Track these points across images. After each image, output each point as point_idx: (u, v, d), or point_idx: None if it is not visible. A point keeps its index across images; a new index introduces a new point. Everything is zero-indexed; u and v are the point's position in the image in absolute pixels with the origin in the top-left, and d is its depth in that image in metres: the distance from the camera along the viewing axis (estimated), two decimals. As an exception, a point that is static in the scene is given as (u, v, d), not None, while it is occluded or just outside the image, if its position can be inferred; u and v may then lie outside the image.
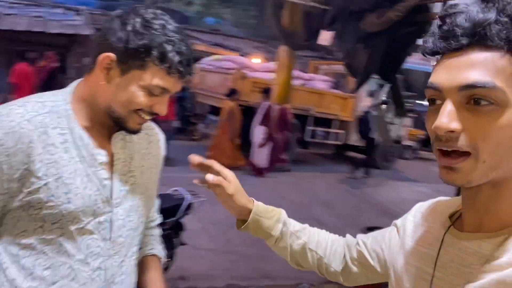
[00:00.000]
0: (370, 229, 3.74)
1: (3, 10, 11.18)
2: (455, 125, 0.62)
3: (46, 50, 10.30)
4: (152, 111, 1.04)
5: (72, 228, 0.99)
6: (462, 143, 0.63)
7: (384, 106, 2.64)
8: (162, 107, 1.04)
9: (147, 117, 1.05)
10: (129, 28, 0.97)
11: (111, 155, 1.08)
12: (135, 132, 1.07)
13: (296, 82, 10.14)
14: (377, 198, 8.34)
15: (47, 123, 0.97)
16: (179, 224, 3.84)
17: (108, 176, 1.05)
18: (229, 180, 1.01)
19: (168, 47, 0.98)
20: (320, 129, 10.66)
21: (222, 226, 5.68)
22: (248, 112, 10.08)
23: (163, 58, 0.97)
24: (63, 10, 12.92)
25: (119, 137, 1.10)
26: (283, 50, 3.33)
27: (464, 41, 0.63)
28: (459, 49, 0.63)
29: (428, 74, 0.69)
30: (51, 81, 9.98)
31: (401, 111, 2.84)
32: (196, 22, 25.07)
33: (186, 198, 3.79)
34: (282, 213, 1.08)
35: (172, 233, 3.78)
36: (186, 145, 11.13)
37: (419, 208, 0.89)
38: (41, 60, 10.12)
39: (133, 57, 0.97)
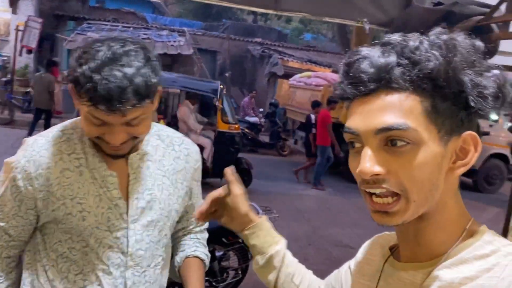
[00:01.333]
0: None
1: (117, 34, 12.42)
2: (378, 168, 0.64)
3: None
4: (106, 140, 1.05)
5: (92, 241, 1.13)
6: (390, 184, 0.65)
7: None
8: (111, 137, 1.03)
9: (110, 145, 1.05)
10: (75, 59, 1.02)
11: (127, 175, 1.17)
12: (114, 157, 1.11)
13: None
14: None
15: (63, 150, 1.13)
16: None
17: (119, 195, 1.14)
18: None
19: (93, 82, 0.95)
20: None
21: (301, 242, 5.71)
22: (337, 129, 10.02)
23: (89, 92, 0.97)
24: (168, 31, 13.98)
25: (136, 158, 1.18)
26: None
27: (371, 86, 0.65)
28: (369, 94, 0.66)
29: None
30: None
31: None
32: (294, 40, 25.50)
33: (259, 213, 3.90)
34: (283, 239, 1.02)
35: (246, 246, 3.91)
36: (276, 160, 11.36)
37: (366, 246, 0.90)
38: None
39: (76, 88, 1.00)
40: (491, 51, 2.22)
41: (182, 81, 7.72)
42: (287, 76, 14.21)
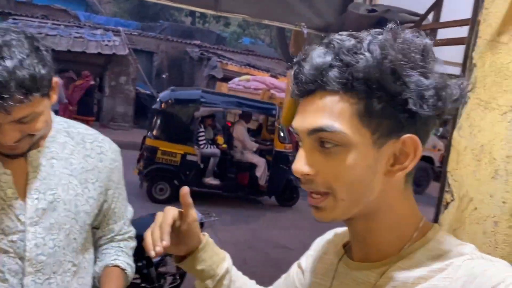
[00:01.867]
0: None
1: (47, 31, 11.82)
2: (308, 168, 0.66)
3: (84, 69, 10.77)
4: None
5: None
6: (318, 184, 0.66)
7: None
8: (1, 137, 0.96)
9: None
10: None
11: (26, 174, 1.08)
12: (10, 157, 1.04)
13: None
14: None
15: None
16: (191, 243, 3.89)
17: (15, 195, 1.05)
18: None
19: None
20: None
21: (240, 245, 5.71)
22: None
23: None
24: (102, 31, 13.49)
25: (36, 155, 1.09)
26: (290, 75, 3.35)
27: (310, 87, 0.65)
28: (309, 95, 0.66)
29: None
30: (88, 98, 10.45)
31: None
32: (233, 43, 25.58)
33: (199, 217, 3.84)
34: (227, 254, 0.95)
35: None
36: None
37: (318, 242, 0.89)
38: (79, 78, 10.62)
39: None
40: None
41: (245, 103, 7.74)
42: (226, 79, 14.18)
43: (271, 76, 12.65)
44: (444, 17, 2.15)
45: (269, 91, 9.57)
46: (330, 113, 0.63)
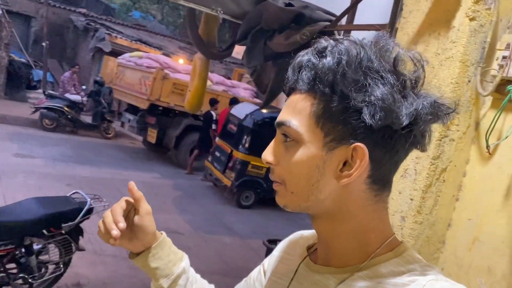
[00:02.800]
0: (272, 241, 3.75)
1: None
2: (270, 158, 0.70)
3: None
4: None
5: None
6: (275, 174, 0.70)
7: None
8: None
9: None
10: None
11: None
12: None
13: (218, 88, 10.13)
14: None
15: None
16: (79, 229, 3.62)
17: None
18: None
19: None
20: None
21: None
22: (167, 113, 9.93)
23: None
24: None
25: None
26: (198, 58, 3.27)
27: (290, 83, 0.69)
28: (293, 90, 0.69)
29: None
30: None
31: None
32: (122, 16, 24.16)
33: (87, 202, 3.58)
34: (185, 254, 0.94)
35: (69, 238, 3.56)
36: (99, 143, 10.65)
37: (283, 242, 0.89)
38: None
39: None
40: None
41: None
42: (114, 53, 13.39)
43: (164, 54, 12.23)
44: (356, 20, 2.29)
45: (163, 71, 9.26)
46: (293, 109, 0.66)
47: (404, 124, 0.62)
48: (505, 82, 1.20)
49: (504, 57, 1.20)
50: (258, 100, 10.93)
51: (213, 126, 9.27)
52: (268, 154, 0.70)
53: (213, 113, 9.38)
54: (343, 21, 2.28)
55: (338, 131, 0.63)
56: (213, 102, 9.43)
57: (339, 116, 0.63)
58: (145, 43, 15.06)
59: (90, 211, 3.59)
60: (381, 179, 0.66)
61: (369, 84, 0.61)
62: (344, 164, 0.64)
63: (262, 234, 6.44)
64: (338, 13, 2.21)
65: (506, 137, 1.15)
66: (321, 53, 0.64)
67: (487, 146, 1.18)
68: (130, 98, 10.06)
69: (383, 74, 0.62)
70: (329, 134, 0.64)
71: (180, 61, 11.33)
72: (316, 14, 2.27)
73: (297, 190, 0.67)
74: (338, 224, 0.68)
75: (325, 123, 0.64)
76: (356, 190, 0.66)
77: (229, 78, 12.08)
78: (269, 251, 3.66)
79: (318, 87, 0.63)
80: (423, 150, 0.68)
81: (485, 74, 1.28)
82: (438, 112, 0.64)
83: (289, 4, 2.31)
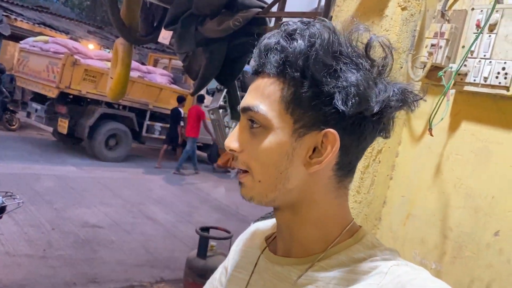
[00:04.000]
0: (205, 229, 3.73)
1: None
2: (234, 145, 0.66)
3: None
4: None
5: None
6: (240, 162, 0.66)
7: (221, 111, 2.70)
8: None
9: None
10: None
11: None
12: None
13: (133, 74, 9.76)
14: (211, 195, 8.56)
15: None
16: (-11, 229, 3.31)
17: None
18: None
19: None
20: (157, 124, 10.49)
21: (44, 228, 5.14)
22: (79, 102, 9.38)
23: None
24: None
25: None
26: (120, 43, 3.09)
27: (257, 67, 0.66)
28: (258, 74, 0.66)
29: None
30: None
31: (237, 115, 2.93)
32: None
33: (-1, 200, 3.28)
34: None
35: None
36: (3, 135, 9.78)
37: (241, 236, 0.87)
38: None
39: None
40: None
41: None
42: (14, 37, 12.29)
43: (71, 39, 11.47)
44: (287, 7, 2.33)
45: (73, 56, 8.68)
46: (261, 94, 0.63)
47: (375, 111, 0.61)
48: (433, 68, 1.30)
49: (432, 45, 1.30)
50: (175, 87, 10.72)
51: (181, 123, 9.49)
52: (231, 141, 0.67)
53: (181, 110, 9.57)
54: (275, 8, 2.32)
55: (308, 117, 0.61)
56: (181, 100, 9.59)
57: (310, 102, 0.61)
58: (49, 26, 14.01)
59: (1, 210, 3.30)
60: (347, 166, 0.66)
61: (342, 69, 0.60)
62: (314, 151, 0.63)
63: (186, 223, 6.39)
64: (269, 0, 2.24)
65: (442, 119, 1.25)
66: (291, 36, 0.61)
67: (430, 129, 1.27)
68: (37, 86, 9.32)
69: (356, 59, 0.61)
70: (299, 120, 0.62)
71: (90, 46, 10.73)
72: (248, 0, 2.26)
73: (265, 178, 0.64)
74: (302, 213, 0.66)
75: (295, 109, 0.61)
76: (323, 178, 0.65)
77: (143, 64, 11.69)
78: (202, 240, 3.65)
79: (288, 71, 0.61)
80: (386, 137, 0.68)
81: (415, 60, 1.37)
82: (407, 99, 0.64)
83: (221, -11, 2.28)
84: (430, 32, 1.32)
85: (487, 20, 1.18)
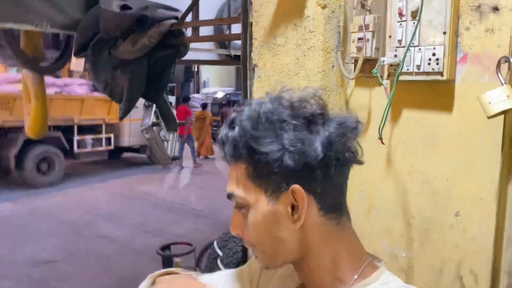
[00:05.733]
0: (165, 247, 3.62)
1: None
2: (237, 230, 0.76)
3: None
4: None
5: None
6: (246, 242, 0.76)
7: (155, 128, 2.58)
8: None
9: None
10: None
11: None
12: None
13: (50, 91, 9.14)
14: (160, 196, 8.38)
15: None
16: None
17: None
18: None
19: None
20: (88, 137, 10.02)
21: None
22: None
23: None
24: None
25: None
26: (28, 76, 2.80)
27: (227, 157, 0.74)
28: (231, 162, 0.74)
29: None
30: None
31: (173, 126, 2.83)
32: None
33: None
34: None
35: None
36: None
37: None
38: None
39: None
40: (183, 52, 2.36)
41: None
42: None
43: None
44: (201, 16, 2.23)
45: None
46: (235, 179, 0.73)
47: (320, 156, 0.68)
48: (365, 61, 1.28)
49: (359, 39, 1.27)
50: (98, 94, 10.20)
51: None
52: (234, 227, 0.76)
53: None
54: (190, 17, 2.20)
55: (272, 183, 0.69)
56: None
57: (267, 170, 0.69)
58: None
59: None
60: (332, 207, 0.72)
61: (278, 134, 0.68)
62: (293, 208, 0.70)
63: (142, 234, 6.23)
64: (179, 7, 2.12)
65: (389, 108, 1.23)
66: (231, 125, 0.71)
67: (380, 138, 1.26)
68: None
69: (286, 120, 0.69)
70: (267, 188, 0.70)
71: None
72: (158, 13, 2.13)
73: (266, 248, 0.72)
74: (312, 265, 0.72)
75: (260, 181, 0.70)
76: (314, 226, 0.71)
77: (58, 77, 11.00)
78: (166, 260, 3.54)
79: (241, 154, 0.70)
80: (360, 163, 0.75)
81: (346, 57, 1.34)
82: (346, 130, 0.71)
83: (126, 6, 2.11)
84: (354, 26, 1.29)
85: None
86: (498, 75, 1.02)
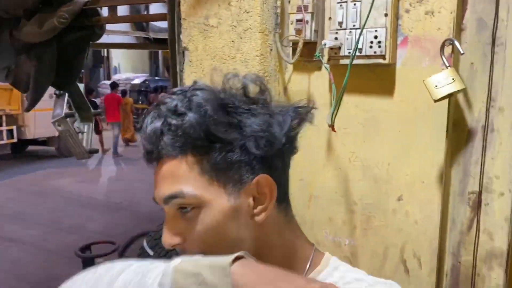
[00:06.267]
0: (85, 248, 3.37)
1: None
2: (175, 240, 0.64)
3: None
4: None
5: None
6: (191, 251, 0.63)
7: (68, 119, 2.31)
8: None
9: None
10: None
11: None
12: None
13: None
14: (75, 191, 7.88)
15: None
16: None
17: None
18: None
19: None
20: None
21: None
22: None
23: None
24: None
25: None
26: None
27: (151, 156, 0.64)
28: (157, 162, 0.64)
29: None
30: None
31: (87, 115, 2.59)
32: None
33: None
34: None
35: None
36: None
37: None
38: None
39: None
40: (98, 34, 2.14)
41: None
42: None
43: None
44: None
45: None
46: (176, 178, 0.62)
47: (284, 141, 0.64)
48: (305, 44, 1.22)
49: (298, 20, 1.21)
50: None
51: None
52: (169, 238, 0.64)
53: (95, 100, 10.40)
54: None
55: (234, 175, 0.62)
56: (90, 91, 10.65)
57: (228, 161, 0.62)
58: None
59: None
60: (283, 196, 0.68)
61: (240, 120, 0.62)
62: (254, 201, 0.64)
63: (56, 232, 5.81)
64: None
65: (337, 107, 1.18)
66: (176, 112, 0.62)
67: (331, 125, 1.20)
68: None
69: (246, 106, 0.64)
70: (228, 182, 0.62)
71: None
72: (71, -7, 1.88)
73: (222, 251, 0.59)
74: (265, 258, 0.63)
75: (219, 174, 0.62)
76: (270, 218, 0.66)
77: None
78: (87, 262, 3.28)
79: (193, 145, 0.61)
80: (296, 152, 0.71)
81: (284, 40, 1.27)
82: (302, 115, 0.67)
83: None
84: (293, 6, 1.22)
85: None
86: (442, 58, 1.01)
